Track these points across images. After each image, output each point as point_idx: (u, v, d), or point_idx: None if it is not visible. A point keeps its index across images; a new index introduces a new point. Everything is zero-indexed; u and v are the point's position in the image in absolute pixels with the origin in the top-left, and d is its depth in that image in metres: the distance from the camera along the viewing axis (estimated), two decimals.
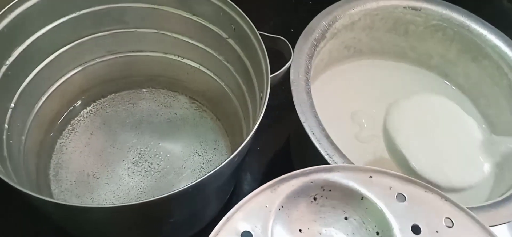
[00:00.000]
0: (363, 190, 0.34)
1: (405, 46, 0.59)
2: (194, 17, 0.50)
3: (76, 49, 0.52)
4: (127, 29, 0.53)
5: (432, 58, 0.59)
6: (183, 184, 0.53)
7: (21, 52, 0.46)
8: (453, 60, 0.57)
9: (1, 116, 0.45)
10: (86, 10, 0.49)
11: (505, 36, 0.52)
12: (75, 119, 0.58)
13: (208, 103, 0.60)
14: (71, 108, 0.57)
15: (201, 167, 0.56)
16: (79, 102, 0.58)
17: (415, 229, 0.33)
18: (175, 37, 0.54)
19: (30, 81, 0.49)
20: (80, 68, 0.54)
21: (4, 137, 0.45)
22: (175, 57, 0.57)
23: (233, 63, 0.51)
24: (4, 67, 0.45)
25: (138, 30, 0.53)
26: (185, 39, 0.54)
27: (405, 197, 0.34)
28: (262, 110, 0.40)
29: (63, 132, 0.57)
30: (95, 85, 0.58)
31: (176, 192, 0.37)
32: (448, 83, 0.59)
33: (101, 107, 0.59)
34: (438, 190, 0.35)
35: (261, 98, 0.43)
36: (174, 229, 0.49)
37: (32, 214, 0.52)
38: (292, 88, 0.44)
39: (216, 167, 0.37)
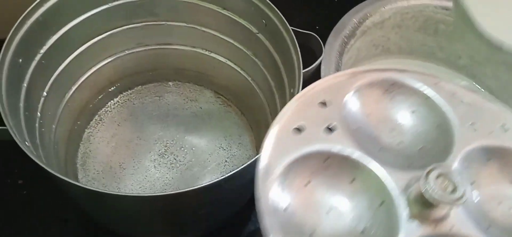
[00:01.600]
0: (428, 91, 0.38)
1: (433, 45, 0.58)
2: (224, 11, 0.51)
3: (107, 40, 0.53)
4: (157, 21, 0.53)
5: (461, 59, 0.58)
6: (207, 177, 0.54)
7: (55, 41, 0.47)
8: (482, 61, 0.57)
9: (34, 105, 0.46)
10: (119, 2, 0.50)
11: None
12: (103, 109, 0.59)
13: (233, 98, 0.60)
14: (99, 98, 0.58)
15: (226, 161, 0.56)
16: (107, 93, 0.58)
17: (471, 127, 0.37)
18: (204, 31, 0.54)
19: (62, 70, 0.49)
20: (110, 59, 0.55)
21: (37, 125, 0.46)
22: (203, 51, 0.57)
23: (261, 58, 0.51)
24: (39, 56, 0.46)
25: (168, 23, 0.54)
26: (214, 33, 0.54)
27: (466, 102, 0.39)
28: None
29: (91, 122, 0.58)
30: (123, 77, 0.58)
31: (208, 184, 0.37)
32: (477, 85, 0.58)
33: (128, 99, 0.60)
34: (499, 101, 0.39)
35: (292, 94, 0.43)
36: (199, 221, 0.49)
37: (61, 202, 0.52)
38: None
39: (246, 162, 0.38)
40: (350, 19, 0.49)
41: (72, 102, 0.53)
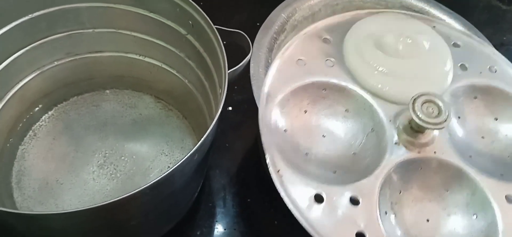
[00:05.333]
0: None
1: None
2: (151, 14, 0.49)
3: (32, 53, 0.50)
4: (84, 29, 0.52)
5: None
6: None
7: None
8: None
9: None
10: (39, 13, 0.48)
11: (464, 20, 0.52)
12: (37, 124, 0.57)
13: (173, 101, 0.59)
14: (31, 113, 0.55)
15: (168, 166, 0.55)
16: (40, 107, 0.56)
17: (462, 67, 0.42)
18: (134, 36, 0.53)
19: None
20: (38, 72, 0.53)
21: None
22: (137, 56, 0.55)
23: (194, 60, 0.51)
24: None
25: (96, 30, 0.52)
26: (145, 37, 0.53)
27: (459, 45, 0.43)
28: (220, 107, 0.39)
29: (25, 138, 0.55)
30: (56, 88, 0.56)
31: (134, 193, 0.36)
32: None
33: (63, 111, 0.58)
34: (491, 44, 0.45)
35: (220, 94, 0.42)
36: (141, 230, 0.48)
37: None
38: (252, 82, 0.44)
39: (174, 166, 0.37)
40: (278, 15, 0.49)
41: (1, 120, 0.51)
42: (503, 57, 0.44)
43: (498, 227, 0.34)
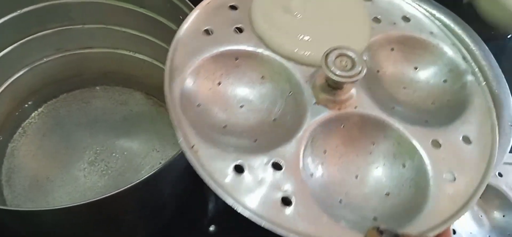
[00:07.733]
0: None
1: None
2: (142, 10, 0.49)
3: (21, 48, 0.50)
4: (74, 25, 0.51)
5: None
6: None
7: None
8: None
9: None
10: (28, 8, 0.48)
11: (454, 14, 0.53)
12: (26, 121, 0.56)
13: (165, 98, 0.59)
14: (21, 110, 0.55)
15: (160, 162, 0.55)
16: (29, 103, 0.56)
17: (376, 20, 0.41)
18: (124, 31, 0.52)
19: None
20: (28, 68, 0.52)
21: None
22: (127, 52, 0.55)
23: None
24: None
25: (86, 26, 0.52)
26: (135, 33, 0.52)
27: None
28: None
29: (14, 135, 0.55)
30: (45, 85, 0.56)
31: (126, 188, 0.36)
32: None
33: (53, 108, 0.58)
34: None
35: None
36: (134, 227, 0.48)
37: None
38: None
39: (166, 161, 0.37)
40: None
41: None
42: (416, 5, 0.43)
43: (428, 173, 0.33)
